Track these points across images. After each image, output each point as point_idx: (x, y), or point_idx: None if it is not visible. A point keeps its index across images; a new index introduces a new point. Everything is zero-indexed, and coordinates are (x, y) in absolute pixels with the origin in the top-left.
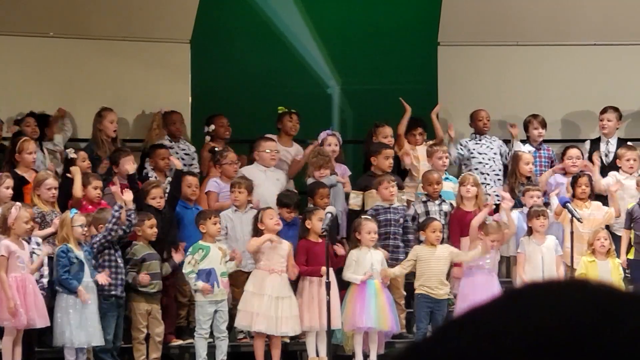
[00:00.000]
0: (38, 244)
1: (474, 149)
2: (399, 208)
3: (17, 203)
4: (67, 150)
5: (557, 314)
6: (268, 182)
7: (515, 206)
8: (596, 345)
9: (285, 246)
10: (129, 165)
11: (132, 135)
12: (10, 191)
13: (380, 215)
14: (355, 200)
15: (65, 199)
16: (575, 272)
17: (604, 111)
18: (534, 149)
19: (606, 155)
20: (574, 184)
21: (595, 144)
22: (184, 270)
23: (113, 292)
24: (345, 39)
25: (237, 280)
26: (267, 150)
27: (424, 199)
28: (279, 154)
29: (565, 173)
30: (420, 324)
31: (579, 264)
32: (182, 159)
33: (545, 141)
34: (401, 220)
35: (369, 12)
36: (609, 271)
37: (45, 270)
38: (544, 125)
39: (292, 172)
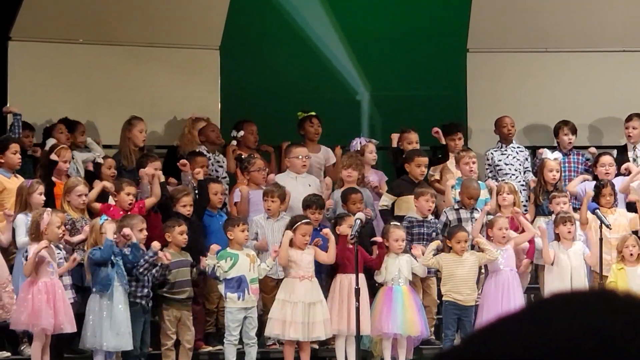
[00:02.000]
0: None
1: (500, 160)
2: (431, 221)
3: (48, 209)
4: (98, 153)
5: (580, 325)
6: (300, 188)
7: (541, 214)
8: (619, 355)
9: (311, 250)
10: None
11: (161, 142)
12: (43, 197)
13: (415, 228)
14: (386, 201)
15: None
16: (606, 280)
17: (629, 119)
18: (561, 156)
19: (634, 160)
20: (597, 193)
21: (622, 152)
22: (209, 273)
23: (139, 300)
24: (375, 45)
25: (266, 286)
26: (298, 157)
27: (456, 206)
28: (309, 159)
29: (597, 179)
30: (447, 330)
31: (609, 272)
32: (216, 170)
33: (575, 147)
34: (434, 234)
35: (398, 18)
36: None
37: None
38: (574, 131)
39: (335, 176)
